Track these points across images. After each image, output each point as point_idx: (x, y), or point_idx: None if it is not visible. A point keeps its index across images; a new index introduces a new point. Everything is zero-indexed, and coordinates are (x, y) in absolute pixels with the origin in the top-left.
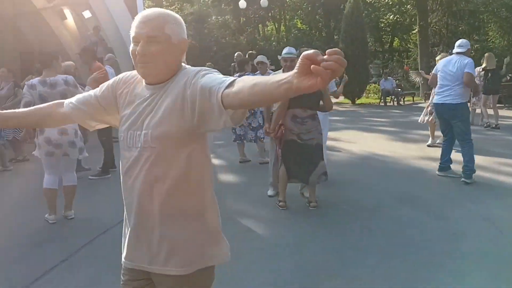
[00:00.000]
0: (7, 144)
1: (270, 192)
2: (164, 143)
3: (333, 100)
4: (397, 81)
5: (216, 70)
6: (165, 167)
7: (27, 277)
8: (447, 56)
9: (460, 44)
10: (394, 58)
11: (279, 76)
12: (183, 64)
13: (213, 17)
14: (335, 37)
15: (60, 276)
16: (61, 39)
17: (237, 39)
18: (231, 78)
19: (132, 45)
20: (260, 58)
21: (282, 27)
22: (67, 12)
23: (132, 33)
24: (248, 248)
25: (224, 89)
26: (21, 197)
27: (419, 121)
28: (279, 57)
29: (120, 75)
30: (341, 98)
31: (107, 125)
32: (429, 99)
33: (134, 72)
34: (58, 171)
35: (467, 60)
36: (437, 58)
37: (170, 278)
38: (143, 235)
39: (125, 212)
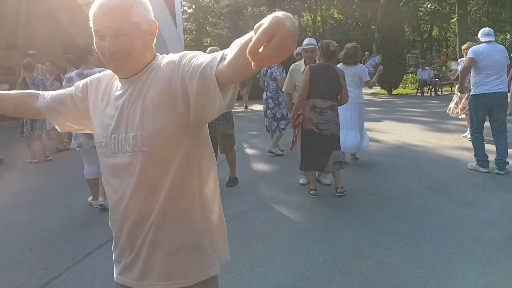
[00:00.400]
0: (52, 133)
1: (302, 180)
2: (157, 145)
3: (369, 90)
4: (434, 71)
5: (200, 52)
6: (160, 172)
7: (75, 254)
8: (473, 45)
9: (488, 32)
10: (433, 48)
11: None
12: (156, 54)
13: (249, 9)
14: (372, 26)
15: (106, 255)
16: None
17: None
18: (220, 53)
19: (95, 38)
20: (299, 50)
21: (318, 18)
22: None
23: (93, 25)
24: (280, 231)
25: (217, 66)
26: (65, 183)
27: (450, 113)
28: (299, 49)
29: (96, 75)
30: (377, 89)
31: (81, 129)
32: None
33: (109, 71)
34: (97, 161)
35: (503, 49)
36: (463, 47)
37: None
38: (137, 247)
39: (111, 223)
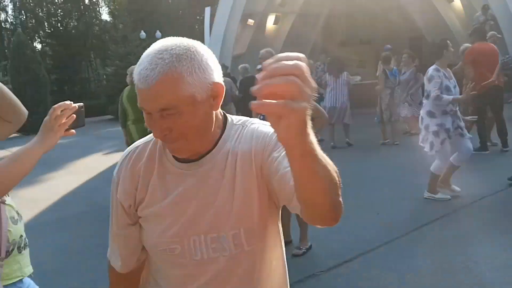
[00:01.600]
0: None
1: None
2: (261, 239)
3: None
4: None
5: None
6: (259, 268)
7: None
8: None
9: None
10: None
11: None
12: (227, 117)
13: None
14: None
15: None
16: (447, 22)
17: None
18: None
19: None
20: None
21: None
22: None
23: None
24: None
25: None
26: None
27: None
28: None
29: (125, 161)
30: None
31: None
32: None
33: (140, 146)
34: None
35: None
36: None
37: None
38: None
39: None
